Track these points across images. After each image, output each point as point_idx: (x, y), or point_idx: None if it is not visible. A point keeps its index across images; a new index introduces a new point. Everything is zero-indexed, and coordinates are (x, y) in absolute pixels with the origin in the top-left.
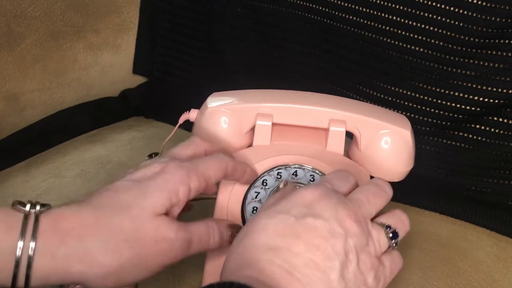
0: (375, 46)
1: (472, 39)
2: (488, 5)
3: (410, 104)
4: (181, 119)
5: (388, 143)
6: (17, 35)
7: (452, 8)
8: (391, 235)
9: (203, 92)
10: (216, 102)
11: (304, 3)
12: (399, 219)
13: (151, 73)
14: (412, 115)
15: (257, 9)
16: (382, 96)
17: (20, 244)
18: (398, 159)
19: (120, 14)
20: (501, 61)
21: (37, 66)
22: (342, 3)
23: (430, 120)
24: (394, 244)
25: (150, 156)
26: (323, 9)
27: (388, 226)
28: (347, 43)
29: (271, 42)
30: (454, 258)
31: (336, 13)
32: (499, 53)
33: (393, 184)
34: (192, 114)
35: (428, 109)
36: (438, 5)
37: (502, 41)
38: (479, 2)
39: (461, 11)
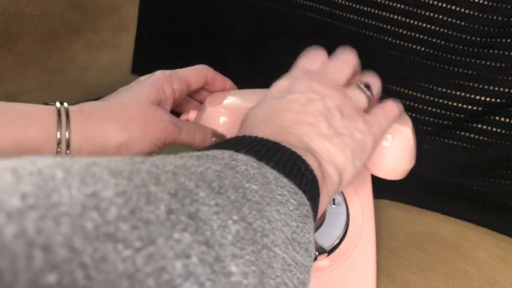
0: (376, 45)
1: (474, 38)
2: (490, 4)
3: (412, 104)
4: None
5: (389, 141)
6: (16, 35)
7: (454, 7)
8: (364, 87)
9: None
10: (215, 102)
11: (305, 2)
12: (368, 75)
13: (150, 73)
14: (414, 115)
15: (257, 8)
16: (383, 95)
17: (59, 124)
18: (399, 157)
19: (119, 13)
20: (503, 60)
21: (35, 66)
22: (343, 2)
23: (432, 119)
24: (371, 95)
25: None
26: (324, 8)
27: (358, 82)
28: (348, 42)
29: (271, 41)
30: (456, 259)
31: (337, 12)
32: (501, 52)
33: (394, 184)
34: (191, 115)
35: (430, 108)
36: (440, 4)
37: (504, 40)
38: (481, 1)
39: (463, 10)
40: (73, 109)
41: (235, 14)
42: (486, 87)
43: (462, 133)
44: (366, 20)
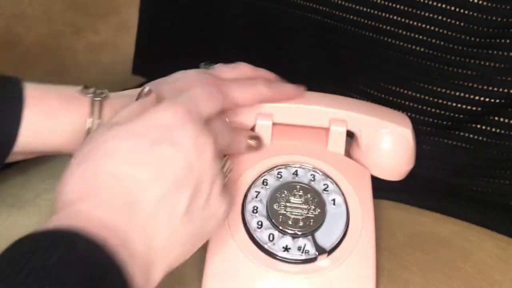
0: (376, 46)
1: (473, 38)
2: (489, 4)
3: (411, 104)
4: None
5: (389, 142)
6: (17, 35)
7: (453, 8)
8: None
9: None
10: None
11: (305, 3)
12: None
13: (150, 73)
14: (413, 115)
15: (258, 9)
16: (383, 96)
17: (89, 121)
18: (398, 158)
19: (120, 14)
20: (503, 61)
21: (36, 66)
22: (343, 3)
23: (431, 120)
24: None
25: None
26: (324, 8)
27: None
28: (348, 43)
29: (272, 42)
30: (455, 259)
31: (337, 12)
32: (500, 52)
33: (394, 184)
34: None
35: (429, 108)
36: (439, 5)
37: (503, 40)
38: (480, 2)
39: (462, 10)
40: (106, 106)
41: (235, 14)
42: (485, 87)
43: (462, 133)
44: (366, 21)
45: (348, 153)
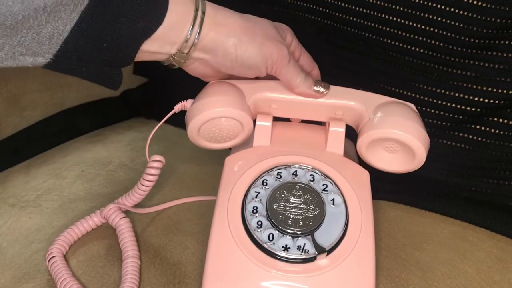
0: (375, 47)
1: (472, 40)
2: (488, 6)
3: None
4: (177, 108)
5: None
6: None
7: (452, 9)
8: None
9: None
10: None
11: (304, 4)
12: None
13: (152, 73)
14: None
15: (257, 11)
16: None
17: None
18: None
19: None
20: (501, 62)
21: (37, 67)
22: (342, 4)
23: (430, 120)
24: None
25: None
26: (323, 10)
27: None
28: (347, 44)
29: None
30: (454, 259)
31: (336, 14)
32: (499, 54)
33: (393, 185)
34: (189, 104)
35: (428, 109)
36: (438, 6)
37: (502, 42)
38: (479, 3)
39: (461, 12)
40: (208, 15)
41: None
42: (484, 88)
43: (461, 134)
44: (365, 22)
45: (347, 154)
